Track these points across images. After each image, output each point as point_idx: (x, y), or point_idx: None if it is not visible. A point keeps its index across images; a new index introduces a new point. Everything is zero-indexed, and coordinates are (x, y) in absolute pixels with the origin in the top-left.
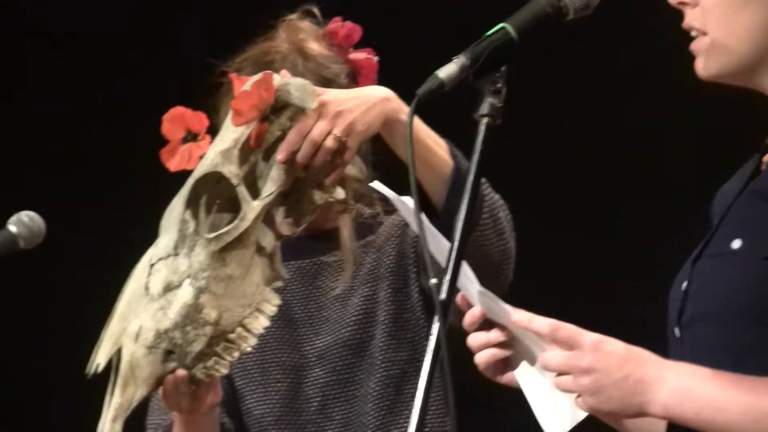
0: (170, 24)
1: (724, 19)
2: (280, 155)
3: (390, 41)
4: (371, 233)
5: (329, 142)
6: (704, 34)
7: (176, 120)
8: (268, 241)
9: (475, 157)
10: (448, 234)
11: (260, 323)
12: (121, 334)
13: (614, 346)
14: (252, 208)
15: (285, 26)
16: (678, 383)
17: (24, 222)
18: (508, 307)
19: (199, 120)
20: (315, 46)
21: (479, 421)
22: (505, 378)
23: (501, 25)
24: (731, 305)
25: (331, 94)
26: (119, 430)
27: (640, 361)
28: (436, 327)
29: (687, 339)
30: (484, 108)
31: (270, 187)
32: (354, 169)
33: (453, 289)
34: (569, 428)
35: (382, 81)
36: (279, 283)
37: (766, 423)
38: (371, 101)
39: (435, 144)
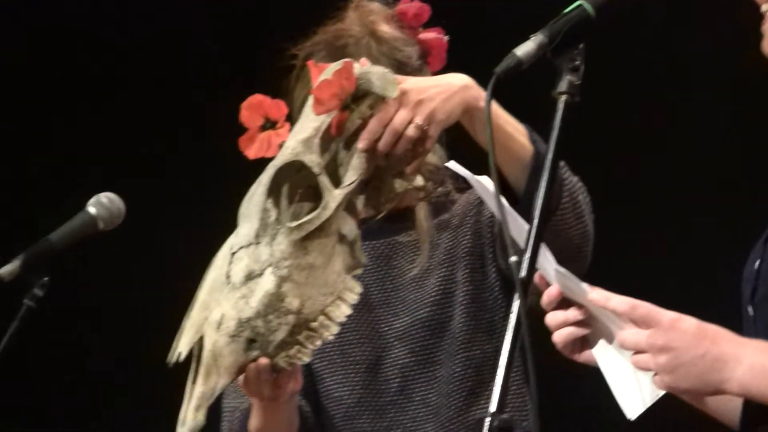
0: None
1: None
2: (361, 144)
3: (458, 19)
4: (445, 212)
5: (410, 131)
6: None
7: (255, 107)
8: (349, 229)
9: (554, 134)
10: (528, 218)
11: (342, 311)
12: (202, 323)
13: (691, 323)
14: (334, 196)
15: (355, 7)
16: (755, 361)
17: (103, 203)
18: (585, 286)
19: (278, 107)
20: (386, 28)
21: (559, 399)
22: (583, 356)
23: (578, 2)
24: None
25: (411, 83)
26: (202, 419)
27: (716, 338)
28: (516, 305)
29: (760, 317)
30: (563, 85)
31: (351, 175)
32: (434, 156)
33: (532, 267)
34: (647, 406)
35: (451, 60)
36: (359, 271)
37: None
38: (451, 89)
39: (514, 130)
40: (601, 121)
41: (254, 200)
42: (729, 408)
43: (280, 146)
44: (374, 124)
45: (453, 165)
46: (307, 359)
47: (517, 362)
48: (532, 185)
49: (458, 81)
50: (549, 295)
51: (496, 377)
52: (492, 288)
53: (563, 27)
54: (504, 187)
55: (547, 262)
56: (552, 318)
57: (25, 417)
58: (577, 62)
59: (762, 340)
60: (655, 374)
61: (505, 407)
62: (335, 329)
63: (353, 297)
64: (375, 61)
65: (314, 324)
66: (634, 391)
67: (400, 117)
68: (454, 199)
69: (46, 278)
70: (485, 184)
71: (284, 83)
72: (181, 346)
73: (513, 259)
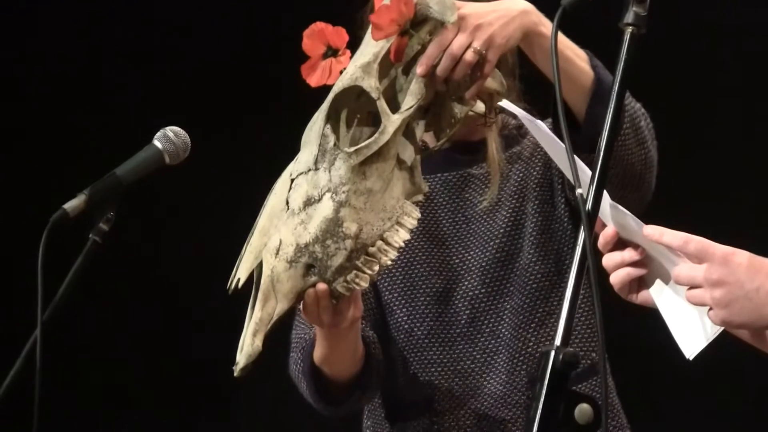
0: None
1: None
2: (419, 68)
3: None
4: (516, 144)
5: (469, 56)
6: None
7: (316, 36)
8: (409, 154)
9: (620, 66)
10: (590, 145)
11: (401, 237)
12: (261, 249)
13: (745, 257)
14: (392, 121)
15: None
16: None
17: (169, 137)
18: (639, 222)
19: (338, 35)
20: None
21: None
22: (640, 297)
23: None
24: None
25: (470, 7)
26: (259, 344)
27: None
28: (581, 237)
29: None
30: (629, 17)
31: (410, 100)
32: (494, 82)
33: (599, 199)
34: (704, 346)
35: None
36: (420, 197)
37: None
38: (510, 14)
39: (575, 55)
40: None
41: (314, 127)
42: None
43: (341, 73)
44: (432, 49)
45: (506, 104)
46: (365, 285)
47: (585, 295)
48: (594, 110)
49: (518, 6)
50: (605, 236)
51: (561, 310)
52: (561, 219)
53: None
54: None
55: (603, 199)
56: (609, 259)
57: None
58: None
59: None
60: (710, 309)
61: (570, 340)
62: (393, 254)
63: (412, 222)
64: None
65: (372, 249)
66: (691, 331)
67: (459, 42)
68: (525, 132)
69: (111, 213)
70: (537, 123)
71: (359, 15)
72: (240, 273)
73: (579, 191)
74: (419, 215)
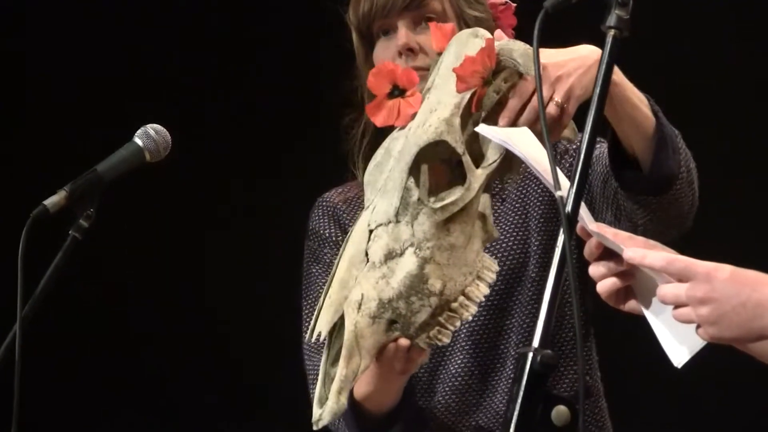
0: None
1: None
2: (502, 122)
3: None
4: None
5: (551, 109)
6: None
7: (383, 75)
8: (486, 206)
9: (602, 69)
10: (654, 188)
11: (481, 291)
12: (342, 301)
13: (727, 272)
14: (476, 177)
15: None
16: None
17: (150, 135)
18: (620, 245)
19: (408, 76)
20: None
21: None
22: (628, 306)
23: None
24: None
25: (549, 57)
26: (344, 402)
27: (756, 284)
28: (561, 240)
29: None
30: (611, 20)
31: (493, 154)
32: (568, 129)
33: (578, 201)
34: (692, 354)
35: None
36: (495, 238)
37: None
38: (587, 63)
39: (639, 101)
40: None
41: (393, 176)
42: None
43: (413, 116)
44: (515, 101)
45: (481, 128)
46: (447, 340)
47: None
48: (658, 157)
49: (594, 54)
50: (589, 246)
51: (540, 313)
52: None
53: None
54: (627, 157)
55: (586, 215)
56: (595, 269)
57: None
58: None
59: None
60: (698, 326)
61: (548, 343)
62: (474, 309)
63: (491, 276)
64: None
65: (455, 305)
66: (678, 340)
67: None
68: None
69: (92, 210)
70: (513, 142)
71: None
72: (321, 326)
73: (559, 193)
74: (497, 268)
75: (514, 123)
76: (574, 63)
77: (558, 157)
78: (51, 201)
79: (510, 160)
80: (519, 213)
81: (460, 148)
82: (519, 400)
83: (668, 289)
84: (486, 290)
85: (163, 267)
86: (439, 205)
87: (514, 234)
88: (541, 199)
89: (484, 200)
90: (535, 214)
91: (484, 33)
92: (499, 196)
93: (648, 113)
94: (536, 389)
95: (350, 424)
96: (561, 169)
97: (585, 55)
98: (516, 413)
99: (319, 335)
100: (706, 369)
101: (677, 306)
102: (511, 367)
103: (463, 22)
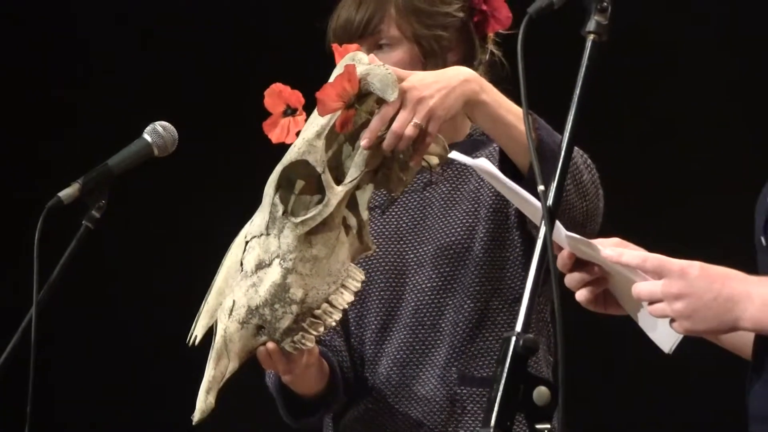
0: None
1: None
2: (363, 142)
3: None
4: (483, 148)
5: (410, 131)
6: None
7: (276, 95)
8: (354, 219)
9: (582, 72)
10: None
11: (345, 299)
12: (217, 308)
13: (697, 268)
14: (335, 194)
15: None
16: (765, 297)
17: (158, 131)
18: (596, 247)
19: (296, 96)
20: None
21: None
22: (610, 309)
23: None
24: None
25: (413, 79)
26: (212, 401)
27: (726, 279)
28: (542, 232)
29: None
30: (591, 25)
31: (353, 172)
32: (437, 147)
33: (559, 196)
34: (679, 340)
35: None
36: (370, 252)
37: None
38: (451, 84)
39: (516, 118)
40: None
41: (266, 191)
42: (744, 341)
43: (297, 134)
44: (375, 123)
45: (456, 155)
46: (311, 344)
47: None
48: (534, 171)
49: (459, 75)
50: (562, 259)
51: (523, 300)
52: (511, 228)
53: None
54: (512, 169)
55: (558, 228)
56: (570, 279)
57: None
58: (605, 3)
59: None
60: (672, 321)
61: (530, 327)
62: (338, 315)
63: (356, 285)
64: (397, 4)
65: (318, 312)
66: (664, 330)
67: (401, 119)
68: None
69: (103, 201)
70: (486, 167)
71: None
72: (197, 331)
73: (541, 188)
74: (363, 277)
75: (376, 143)
76: (438, 85)
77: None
78: (65, 193)
79: (387, 177)
80: (472, 201)
81: (320, 167)
82: (503, 381)
83: (643, 287)
84: (350, 298)
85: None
86: (299, 219)
87: (463, 220)
88: (494, 190)
89: (355, 216)
90: (486, 204)
91: (361, 57)
92: (461, 181)
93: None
94: (518, 371)
95: (279, 404)
96: (470, 179)
97: (450, 77)
98: (500, 393)
99: (195, 338)
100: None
101: (652, 302)
102: (452, 343)
103: (420, 45)
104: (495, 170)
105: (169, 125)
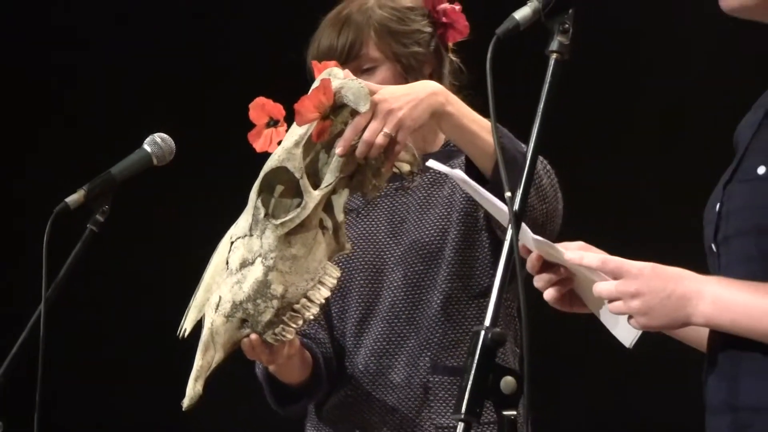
0: None
1: None
2: (338, 150)
3: None
4: (457, 158)
5: (380, 140)
6: None
7: (259, 108)
8: (330, 221)
9: (545, 88)
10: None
11: (322, 294)
12: (204, 303)
13: (654, 269)
14: (312, 197)
15: None
16: (715, 295)
17: (157, 143)
18: (561, 248)
19: (278, 109)
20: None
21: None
22: (575, 307)
23: None
24: (763, 221)
25: (384, 92)
26: (200, 389)
27: (679, 279)
28: (509, 234)
29: (723, 253)
30: (554, 45)
31: (329, 178)
32: (407, 155)
33: (524, 202)
34: (637, 337)
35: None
36: (346, 252)
37: None
38: (419, 97)
39: (479, 128)
40: None
41: (250, 196)
42: (700, 335)
43: (279, 143)
44: (349, 132)
45: (432, 163)
46: (291, 336)
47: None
48: (495, 176)
49: (427, 89)
50: (531, 261)
51: (491, 297)
52: (480, 230)
53: None
54: (477, 173)
55: (526, 232)
56: (538, 280)
57: None
58: (567, 25)
59: (724, 274)
60: (630, 317)
61: (498, 321)
62: (315, 310)
63: (332, 281)
64: (375, 28)
65: (297, 306)
66: (624, 326)
67: (372, 128)
68: None
69: (106, 206)
70: (459, 175)
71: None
72: (187, 324)
73: (508, 194)
74: (339, 274)
75: (350, 150)
76: (406, 98)
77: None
78: (71, 198)
79: (361, 183)
80: (445, 206)
81: (297, 173)
82: (473, 371)
83: (603, 286)
84: (327, 293)
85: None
86: (279, 221)
87: (436, 223)
88: (465, 196)
89: (332, 218)
90: (457, 208)
91: (337, 72)
92: (437, 188)
93: (489, 139)
94: (487, 362)
95: (266, 392)
96: (445, 186)
97: (418, 90)
98: (470, 382)
99: (184, 331)
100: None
101: (612, 300)
102: (424, 335)
103: (400, 63)
104: (467, 177)
105: (167, 137)
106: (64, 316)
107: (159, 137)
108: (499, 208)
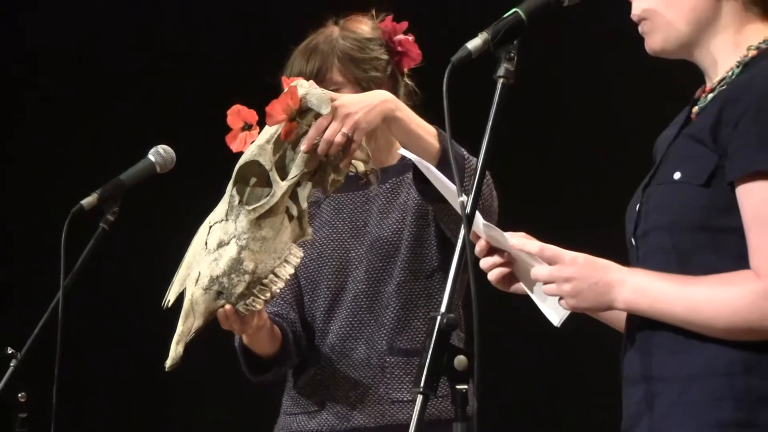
0: None
1: (669, 2)
2: (303, 147)
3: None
4: (408, 171)
5: (338, 139)
6: (646, 19)
7: (235, 114)
8: (295, 209)
9: (494, 109)
10: (438, 197)
11: (287, 271)
12: (186, 278)
13: (585, 258)
14: (280, 187)
15: (342, 19)
16: (635, 285)
17: (160, 153)
18: (507, 235)
19: (251, 115)
20: (359, 30)
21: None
22: (513, 288)
23: (514, 9)
24: (679, 218)
25: (343, 99)
26: (181, 351)
27: (606, 269)
28: (462, 233)
29: (642, 247)
30: (501, 71)
31: (294, 171)
32: (362, 154)
33: (475, 205)
34: (564, 318)
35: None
36: (308, 237)
37: (699, 310)
38: (373, 103)
39: (425, 132)
40: None
41: (227, 186)
42: (620, 318)
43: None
44: (312, 132)
45: (403, 151)
46: (260, 307)
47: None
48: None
49: (380, 97)
50: (480, 246)
51: (446, 286)
52: (430, 227)
53: (503, 27)
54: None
55: (478, 219)
56: (484, 263)
57: None
58: (512, 54)
59: (642, 265)
60: (560, 299)
61: (452, 309)
62: (281, 284)
63: (296, 260)
64: (339, 56)
65: (266, 281)
66: (552, 308)
67: (332, 129)
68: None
69: (116, 208)
70: (424, 163)
71: None
72: (170, 295)
73: (461, 198)
74: (302, 254)
75: (313, 148)
76: (362, 104)
77: (400, 185)
78: (86, 201)
79: (323, 178)
80: (401, 211)
81: (268, 166)
82: (430, 351)
83: (540, 270)
84: (291, 270)
85: None
86: (251, 207)
87: (393, 226)
88: (417, 200)
89: (296, 207)
90: (411, 211)
91: (303, 83)
92: (394, 196)
93: (432, 142)
94: (443, 343)
95: (242, 362)
96: (401, 194)
97: (372, 97)
98: (428, 360)
99: (168, 302)
100: None
101: (546, 282)
102: (381, 321)
103: (360, 86)
104: (430, 165)
105: (169, 148)
106: (79, 301)
107: (162, 148)
108: (452, 191)
